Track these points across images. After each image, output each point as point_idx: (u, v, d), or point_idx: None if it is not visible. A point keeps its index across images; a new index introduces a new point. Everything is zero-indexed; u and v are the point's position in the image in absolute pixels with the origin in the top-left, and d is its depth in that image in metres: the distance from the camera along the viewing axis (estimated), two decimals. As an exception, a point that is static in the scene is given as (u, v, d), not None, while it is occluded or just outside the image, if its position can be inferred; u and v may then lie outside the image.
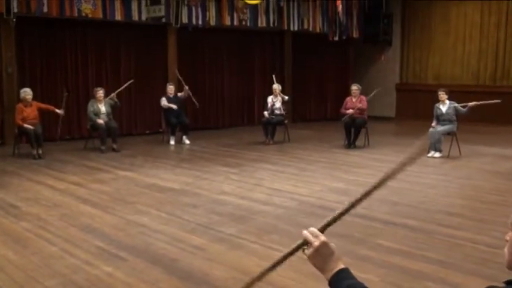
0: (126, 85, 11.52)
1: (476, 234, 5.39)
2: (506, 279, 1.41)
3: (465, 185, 7.80)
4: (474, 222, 5.83)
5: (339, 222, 1.64)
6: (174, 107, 11.58)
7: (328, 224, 1.59)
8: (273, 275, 4.37)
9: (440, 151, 10.02)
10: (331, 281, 1.51)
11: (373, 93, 11.71)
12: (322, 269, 1.54)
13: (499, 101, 10.68)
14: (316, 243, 1.54)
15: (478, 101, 10.15)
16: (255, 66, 15.48)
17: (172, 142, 11.74)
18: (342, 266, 1.54)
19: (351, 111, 11.12)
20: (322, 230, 1.58)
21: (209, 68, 14.51)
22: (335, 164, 9.42)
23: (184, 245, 5.09)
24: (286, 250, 1.60)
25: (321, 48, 16.55)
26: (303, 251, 1.57)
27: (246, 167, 9.13)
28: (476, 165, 9.35)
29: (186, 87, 11.93)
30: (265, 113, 11.94)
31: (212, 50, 14.47)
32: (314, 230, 1.57)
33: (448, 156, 9.95)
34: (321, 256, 1.54)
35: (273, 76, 12.41)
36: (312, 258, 1.54)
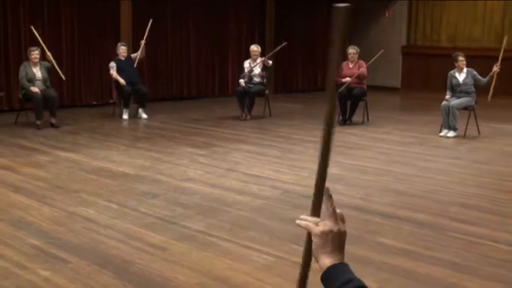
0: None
1: (496, 231, 5.47)
2: None
3: (484, 171, 7.90)
4: (494, 217, 5.92)
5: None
6: (122, 81, 11.47)
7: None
8: (252, 280, 4.41)
9: (455, 130, 10.12)
10: (332, 268, 1.54)
11: (375, 57, 11.74)
12: (327, 253, 1.56)
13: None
14: (343, 228, 1.59)
15: (502, 76, 10.30)
16: (229, 26, 15.39)
17: (125, 116, 11.67)
18: (344, 261, 1.58)
19: (347, 79, 11.15)
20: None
21: (172, 26, 14.37)
22: (327, 144, 9.43)
23: (140, 244, 5.08)
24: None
25: (310, 4, 16.50)
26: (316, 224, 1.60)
27: (217, 148, 9.13)
28: (497, 147, 9.47)
29: (143, 43, 11.83)
30: (241, 80, 11.92)
31: (176, 6, 14.33)
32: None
33: (464, 136, 10.06)
34: (336, 241, 1.57)
35: None
36: (328, 239, 1.57)
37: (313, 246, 1.58)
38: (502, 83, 10.61)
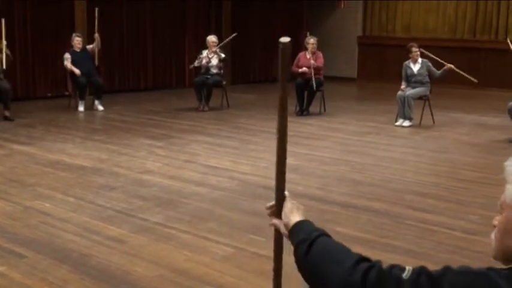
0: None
1: (451, 219, 5.58)
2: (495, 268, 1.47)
3: (439, 159, 8.05)
4: (449, 204, 6.04)
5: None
6: (77, 72, 11.34)
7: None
8: (211, 272, 4.42)
9: (410, 119, 10.27)
10: (303, 222, 1.79)
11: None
12: (297, 214, 1.84)
13: (475, 81, 11.01)
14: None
15: (456, 67, 10.46)
16: (185, 14, 15.30)
17: (81, 108, 11.54)
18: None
19: (304, 69, 11.20)
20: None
21: (128, 15, 14.24)
22: (284, 135, 9.49)
23: (98, 237, 5.05)
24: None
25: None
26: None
27: (175, 140, 9.10)
28: (452, 135, 9.65)
29: (97, 35, 11.71)
30: (193, 65, 11.90)
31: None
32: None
33: (419, 125, 10.22)
34: (301, 209, 1.87)
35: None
36: (296, 206, 1.87)
37: (285, 210, 1.85)
38: (456, 72, 10.74)
